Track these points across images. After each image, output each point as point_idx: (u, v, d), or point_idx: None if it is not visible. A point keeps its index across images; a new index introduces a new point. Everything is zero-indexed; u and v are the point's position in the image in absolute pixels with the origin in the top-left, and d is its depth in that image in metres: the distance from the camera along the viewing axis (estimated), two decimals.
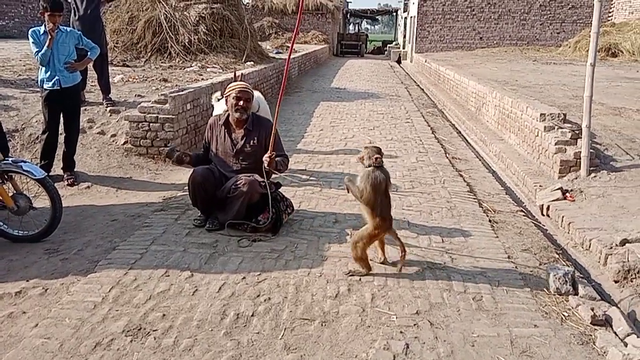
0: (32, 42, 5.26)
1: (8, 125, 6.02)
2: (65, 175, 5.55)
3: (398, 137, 8.36)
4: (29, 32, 5.31)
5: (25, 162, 4.21)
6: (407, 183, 5.84)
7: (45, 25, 5.21)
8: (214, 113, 5.39)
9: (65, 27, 5.43)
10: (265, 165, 4.14)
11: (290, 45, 4.37)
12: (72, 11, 7.06)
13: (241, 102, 4.36)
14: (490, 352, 2.80)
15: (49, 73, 5.29)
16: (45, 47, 5.17)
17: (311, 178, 5.95)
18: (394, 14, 46.61)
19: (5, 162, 4.07)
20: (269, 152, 4.14)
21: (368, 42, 40.45)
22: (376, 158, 3.54)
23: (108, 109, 6.92)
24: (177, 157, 4.40)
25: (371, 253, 3.74)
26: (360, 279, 3.52)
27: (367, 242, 3.58)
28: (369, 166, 3.56)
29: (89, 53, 5.70)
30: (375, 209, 3.52)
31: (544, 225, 5.09)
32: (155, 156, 6.31)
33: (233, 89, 4.41)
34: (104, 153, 6.26)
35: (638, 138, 6.49)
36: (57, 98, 5.37)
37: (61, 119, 5.55)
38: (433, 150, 7.50)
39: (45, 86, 5.33)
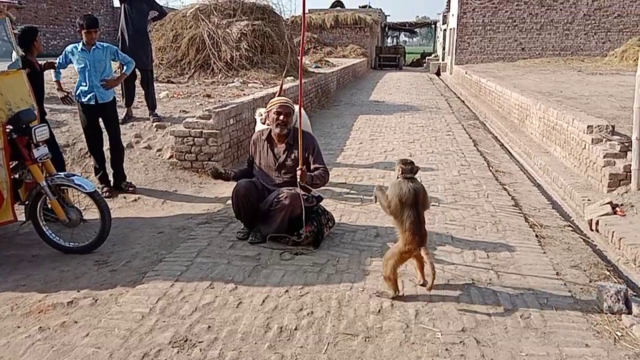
0: (62, 56, 5.57)
1: (60, 141, 6.26)
2: (122, 185, 5.82)
3: (439, 149, 8.27)
4: (67, 47, 5.60)
5: (76, 176, 4.38)
6: (450, 197, 5.77)
7: (82, 43, 5.52)
8: (257, 128, 5.48)
9: (101, 43, 5.66)
10: (298, 179, 4.18)
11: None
12: (123, 28, 7.33)
13: (282, 117, 4.42)
14: None
15: (86, 88, 5.54)
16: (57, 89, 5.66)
17: (351, 191, 5.95)
18: (433, 26, 46.38)
19: (57, 176, 4.23)
20: (299, 166, 4.20)
21: (406, 55, 40.34)
22: (400, 168, 3.45)
23: (154, 124, 7.14)
24: (216, 175, 4.58)
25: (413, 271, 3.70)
26: (403, 295, 3.47)
27: (397, 259, 3.39)
28: (398, 178, 3.48)
29: (124, 67, 5.92)
30: (403, 223, 3.36)
31: (593, 241, 4.92)
32: (200, 170, 6.45)
33: (274, 104, 4.48)
34: (150, 167, 6.43)
35: None
36: (94, 111, 5.63)
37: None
38: (475, 163, 7.39)
39: (82, 100, 5.59)
